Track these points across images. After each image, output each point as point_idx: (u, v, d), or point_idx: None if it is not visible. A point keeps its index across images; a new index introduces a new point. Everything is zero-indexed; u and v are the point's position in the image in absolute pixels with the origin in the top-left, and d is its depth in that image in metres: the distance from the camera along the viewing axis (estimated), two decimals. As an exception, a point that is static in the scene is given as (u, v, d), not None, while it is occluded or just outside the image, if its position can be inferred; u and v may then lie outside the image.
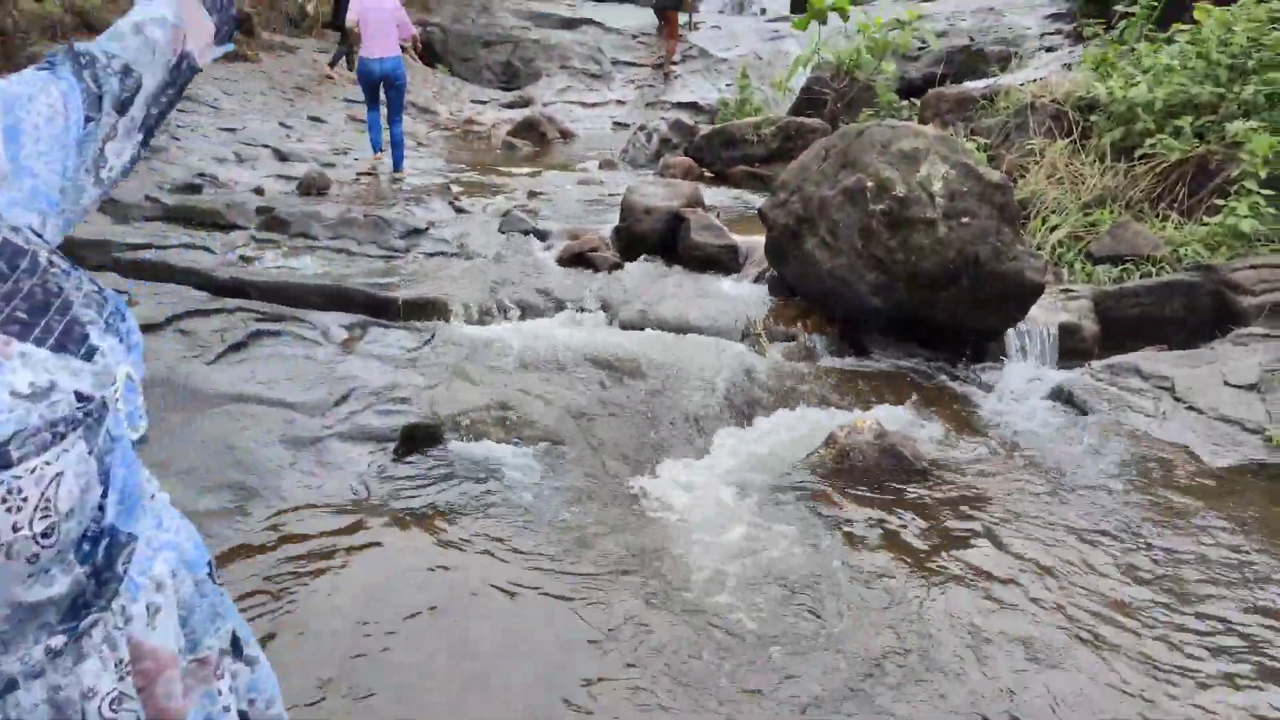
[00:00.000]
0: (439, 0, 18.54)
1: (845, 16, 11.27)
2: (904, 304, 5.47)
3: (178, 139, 8.85)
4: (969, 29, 16.45)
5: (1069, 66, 13.74)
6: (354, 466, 4.14)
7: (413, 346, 5.38)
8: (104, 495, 0.94)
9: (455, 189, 8.86)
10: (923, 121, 8.89)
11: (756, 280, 6.53)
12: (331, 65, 14.09)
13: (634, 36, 18.69)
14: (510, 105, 15.62)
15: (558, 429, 4.56)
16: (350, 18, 9.21)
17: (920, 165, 5.41)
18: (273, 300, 5.76)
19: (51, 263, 0.96)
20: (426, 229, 7.30)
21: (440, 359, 5.22)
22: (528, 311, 6.05)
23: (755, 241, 6.84)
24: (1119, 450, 4.55)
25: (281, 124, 10.81)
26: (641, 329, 5.78)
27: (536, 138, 13.49)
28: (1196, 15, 6.93)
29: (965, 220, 5.31)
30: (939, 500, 4.08)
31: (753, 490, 4.12)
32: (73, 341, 0.93)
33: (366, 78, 9.31)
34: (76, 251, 5.90)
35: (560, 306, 6.11)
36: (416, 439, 4.32)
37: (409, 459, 4.22)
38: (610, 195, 8.82)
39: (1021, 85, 8.04)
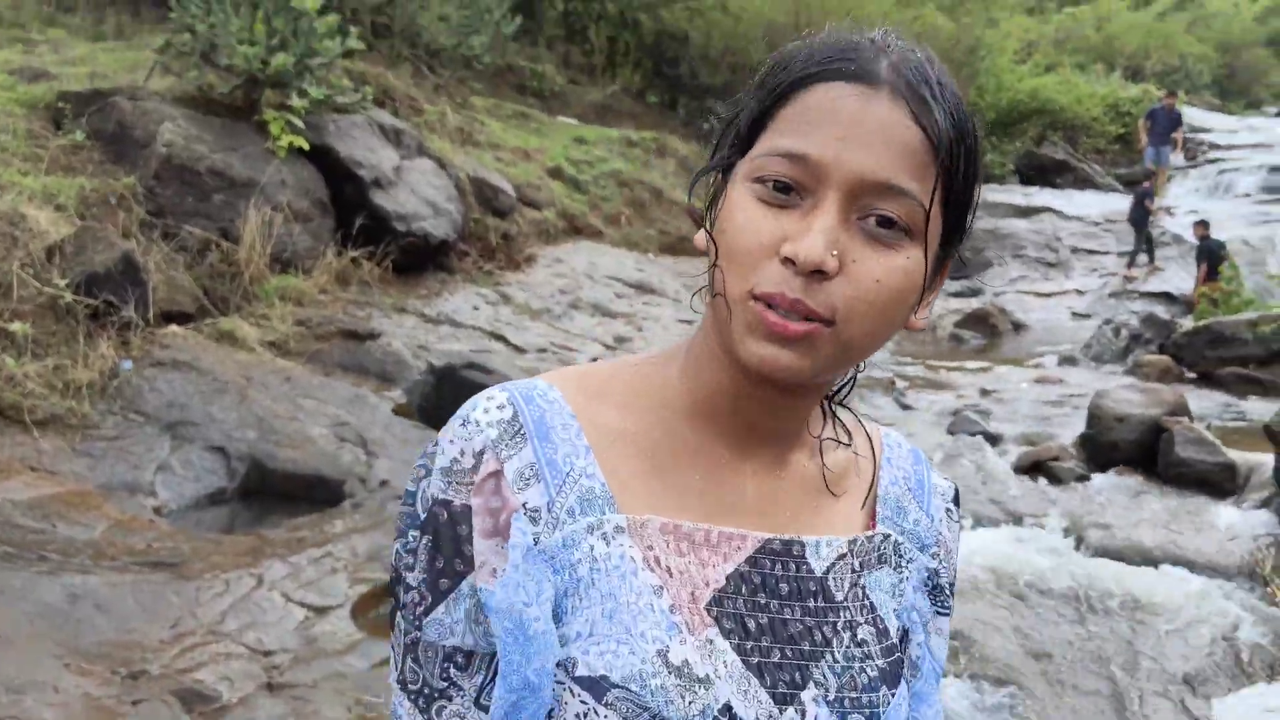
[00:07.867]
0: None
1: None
2: None
3: None
4: None
5: None
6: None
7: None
8: None
9: (900, 384, 8.67)
10: None
11: (1262, 507, 5.54)
12: None
13: (1095, 224, 17.68)
14: (957, 295, 15.30)
15: (1018, 669, 4.06)
16: None
17: None
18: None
19: None
20: (871, 425, 7.16)
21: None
22: (980, 522, 5.61)
23: (1258, 461, 5.86)
24: None
25: None
26: (1114, 556, 5.08)
27: (986, 329, 13.00)
28: None
29: None
30: None
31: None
32: None
33: None
34: None
35: (1016, 520, 5.60)
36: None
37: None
38: (1072, 396, 8.13)
39: None
